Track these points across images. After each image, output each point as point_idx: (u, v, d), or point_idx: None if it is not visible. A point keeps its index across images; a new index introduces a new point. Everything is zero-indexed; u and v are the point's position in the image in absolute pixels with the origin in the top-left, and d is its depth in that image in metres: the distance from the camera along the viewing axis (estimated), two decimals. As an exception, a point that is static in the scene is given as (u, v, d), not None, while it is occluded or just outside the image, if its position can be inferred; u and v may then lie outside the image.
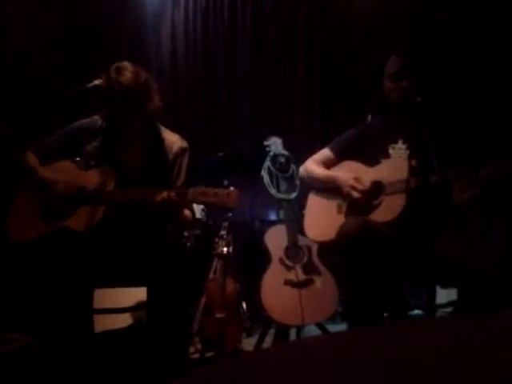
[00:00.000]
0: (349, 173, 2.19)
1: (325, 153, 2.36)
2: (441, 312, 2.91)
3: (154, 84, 2.14)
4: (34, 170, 2.12)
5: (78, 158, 2.18)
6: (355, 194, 2.10)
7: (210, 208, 2.90)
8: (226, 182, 3.32)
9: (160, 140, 2.20)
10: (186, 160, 2.21)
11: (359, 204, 2.10)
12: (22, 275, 2.58)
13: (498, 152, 1.89)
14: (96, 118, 2.22)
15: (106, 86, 2.01)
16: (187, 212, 2.17)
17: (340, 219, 2.11)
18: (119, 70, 2.03)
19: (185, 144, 2.23)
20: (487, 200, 2.00)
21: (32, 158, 2.15)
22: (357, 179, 2.13)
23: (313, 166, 2.35)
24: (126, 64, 2.07)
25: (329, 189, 2.24)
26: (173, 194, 1.92)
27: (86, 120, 2.23)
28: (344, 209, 2.17)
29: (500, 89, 3.84)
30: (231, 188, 1.93)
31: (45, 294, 1.97)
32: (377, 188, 2.11)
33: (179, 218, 2.14)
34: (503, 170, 1.82)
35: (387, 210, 2.04)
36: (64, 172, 2.13)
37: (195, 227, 3.14)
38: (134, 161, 2.15)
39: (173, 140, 2.22)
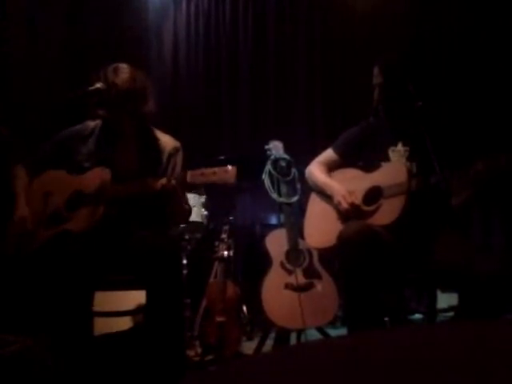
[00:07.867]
0: (347, 181, 2.20)
1: (329, 154, 2.36)
2: (442, 316, 2.90)
3: (151, 88, 2.18)
4: (19, 196, 2.09)
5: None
6: (344, 205, 2.11)
7: (210, 187, 2.82)
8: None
9: (154, 141, 2.24)
10: (180, 158, 2.23)
11: (350, 214, 2.11)
12: (22, 278, 2.58)
13: (492, 150, 1.88)
14: (88, 122, 2.25)
15: (104, 85, 2.06)
16: (186, 205, 2.21)
17: (339, 225, 2.11)
18: (116, 71, 2.09)
19: (177, 144, 2.26)
20: (482, 198, 2.00)
21: (21, 180, 2.13)
22: (350, 192, 2.14)
23: (316, 168, 2.35)
24: (123, 65, 2.12)
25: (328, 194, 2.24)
26: (172, 179, 1.96)
27: (78, 126, 2.25)
28: (342, 215, 2.17)
29: (498, 89, 3.85)
30: (228, 166, 1.94)
31: (45, 297, 1.97)
32: (375, 193, 2.11)
33: (178, 209, 2.14)
34: (495, 167, 1.82)
35: (386, 212, 2.04)
36: (56, 181, 2.14)
37: (196, 230, 3.14)
38: (129, 162, 2.17)
39: (165, 140, 2.25)
